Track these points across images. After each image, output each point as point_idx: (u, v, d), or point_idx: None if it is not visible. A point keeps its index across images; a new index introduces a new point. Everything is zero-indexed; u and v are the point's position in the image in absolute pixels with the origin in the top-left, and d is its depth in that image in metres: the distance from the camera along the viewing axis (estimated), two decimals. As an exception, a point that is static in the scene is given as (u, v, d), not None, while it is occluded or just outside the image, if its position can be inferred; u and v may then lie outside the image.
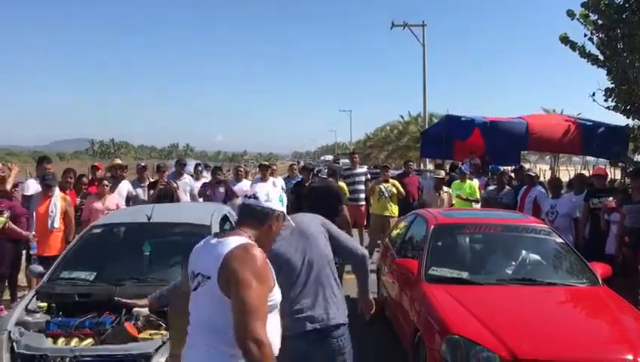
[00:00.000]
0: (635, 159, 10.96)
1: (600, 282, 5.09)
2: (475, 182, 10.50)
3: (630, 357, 3.82)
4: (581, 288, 5.05)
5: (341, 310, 3.21)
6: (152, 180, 9.51)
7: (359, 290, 3.61)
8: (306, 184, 9.31)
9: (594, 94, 10.28)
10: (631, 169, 9.56)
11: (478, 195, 10.12)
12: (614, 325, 4.37)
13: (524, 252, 5.51)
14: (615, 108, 10.31)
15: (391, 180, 10.19)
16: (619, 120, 11.37)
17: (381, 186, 10.03)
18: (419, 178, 11.94)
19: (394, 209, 9.95)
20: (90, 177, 9.27)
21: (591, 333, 4.24)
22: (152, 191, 8.99)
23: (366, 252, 3.56)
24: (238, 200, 9.46)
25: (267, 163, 11.49)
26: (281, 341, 3.18)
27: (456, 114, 14.53)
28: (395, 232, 7.48)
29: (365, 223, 10.64)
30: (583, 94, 10.50)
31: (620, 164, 11.78)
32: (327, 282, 3.19)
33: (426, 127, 25.36)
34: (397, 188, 10.00)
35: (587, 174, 12.39)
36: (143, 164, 10.12)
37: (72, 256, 5.08)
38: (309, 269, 3.15)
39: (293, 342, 3.10)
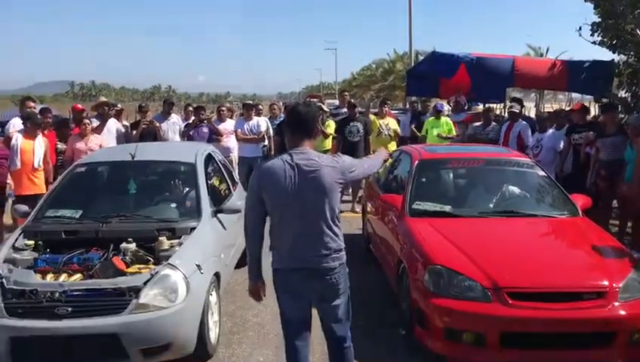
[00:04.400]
0: (619, 95, 10.94)
1: (580, 213, 5.19)
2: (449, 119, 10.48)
3: (606, 282, 3.96)
4: (561, 219, 5.14)
5: (335, 254, 3.11)
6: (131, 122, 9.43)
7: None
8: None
9: (580, 29, 10.19)
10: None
11: (454, 132, 10.13)
12: (592, 254, 4.46)
13: (506, 185, 5.56)
14: (601, 43, 10.22)
15: (389, 118, 10.22)
16: (604, 56, 11.29)
17: (380, 122, 10.03)
18: (396, 115, 11.98)
19: (393, 148, 9.88)
20: (71, 118, 9.18)
21: (570, 262, 4.36)
22: (134, 131, 8.93)
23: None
24: (223, 140, 9.43)
25: (251, 102, 11.35)
26: (274, 273, 3.22)
27: (442, 51, 14.36)
28: (380, 169, 7.51)
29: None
30: (569, 31, 10.37)
31: (603, 100, 11.78)
32: (324, 224, 3.07)
33: (412, 65, 25.04)
34: (394, 129, 10.10)
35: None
36: (119, 106, 9.94)
37: (57, 195, 5.06)
38: (306, 208, 3.03)
39: (287, 276, 3.14)
